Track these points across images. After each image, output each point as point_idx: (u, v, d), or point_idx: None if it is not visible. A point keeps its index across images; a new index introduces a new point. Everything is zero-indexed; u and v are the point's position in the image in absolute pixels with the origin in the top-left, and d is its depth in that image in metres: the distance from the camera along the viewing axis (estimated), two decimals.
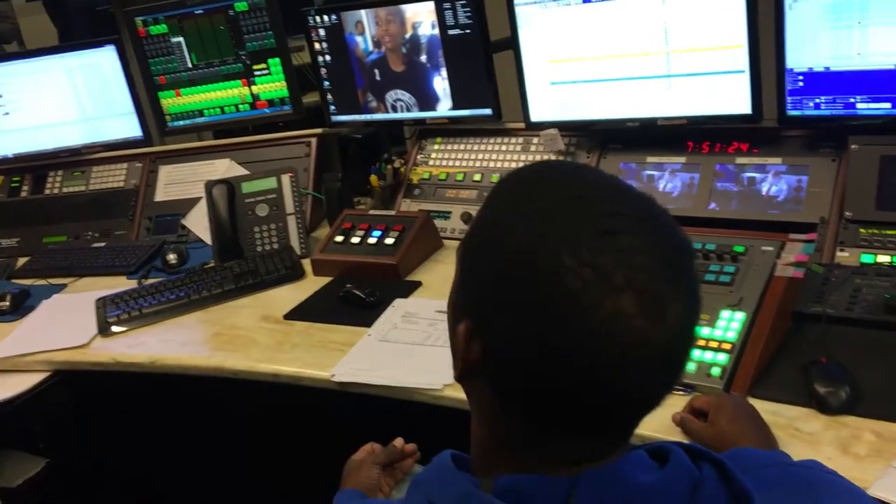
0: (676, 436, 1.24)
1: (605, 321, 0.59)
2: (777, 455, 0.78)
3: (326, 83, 2.43)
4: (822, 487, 0.76)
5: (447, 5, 2.14)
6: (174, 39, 2.57)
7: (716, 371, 1.35)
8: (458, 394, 0.72)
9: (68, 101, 2.68)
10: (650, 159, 1.99)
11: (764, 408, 1.29)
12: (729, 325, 1.42)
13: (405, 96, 2.33)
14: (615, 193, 0.66)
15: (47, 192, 2.74)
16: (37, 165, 2.76)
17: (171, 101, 2.64)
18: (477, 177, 2.24)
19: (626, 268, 0.60)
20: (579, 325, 0.60)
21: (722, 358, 1.37)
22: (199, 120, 2.66)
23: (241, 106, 2.60)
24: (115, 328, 1.98)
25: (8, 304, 2.18)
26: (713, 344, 1.40)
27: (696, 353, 1.39)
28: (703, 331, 1.42)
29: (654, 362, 0.62)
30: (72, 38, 4.04)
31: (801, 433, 1.22)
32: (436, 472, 0.69)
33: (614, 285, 0.59)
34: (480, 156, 2.28)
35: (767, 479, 0.74)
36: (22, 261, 2.55)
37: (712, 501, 0.66)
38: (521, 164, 2.12)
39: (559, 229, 0.62)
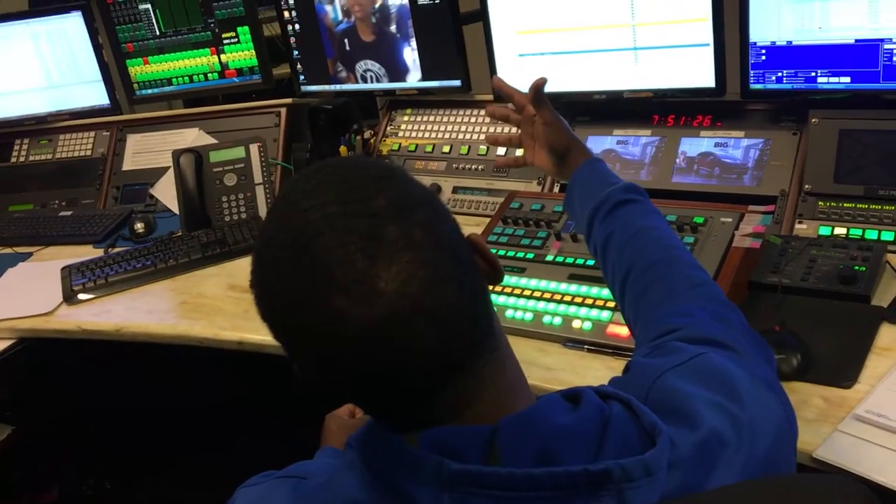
0: None
1: (331, 324, 0.64)
2: (648, 369, 0.82)
3: (296, 53, 2.42)
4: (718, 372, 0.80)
5: None
6: (142, 6, 2.55)
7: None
8: None
9: (34, 67, 2.65)
10: (616, 132, 2.00)
11: None
12: None
13: (375, 67, 2.32)
14: (316, 194, 0.68)
15: (13, 160, 2.71)
16: (2, 133, 2.73)
17: (139, 69, 2.62)
18: (446, 148, 2.25)
19: (324, 273, 0.64)
20: (316, 338, 0.66)
21: None
22: (168, 88, 2.64)
23: (209, 75, 2.58)
24: (80, 296, 1.98)
25: None
26: None
27: None
28: None
29: (402, 328, 0.64)
30: (42, 3, 3.97)
31: None
32: (367, 430, 0.72)
33: (319, 292, 0.64)
34: (449, 127, 2.28)
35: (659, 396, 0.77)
36: None
37: (624, 437, 0.69)
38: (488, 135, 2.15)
39: (268, 262, 0.69)
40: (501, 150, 2.13)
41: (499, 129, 2.16)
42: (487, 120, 2.22)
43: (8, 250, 2.36)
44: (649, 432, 0.69)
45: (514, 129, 1.45)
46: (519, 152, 1.45)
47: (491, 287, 0.75)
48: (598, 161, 1.29)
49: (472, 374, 0.69)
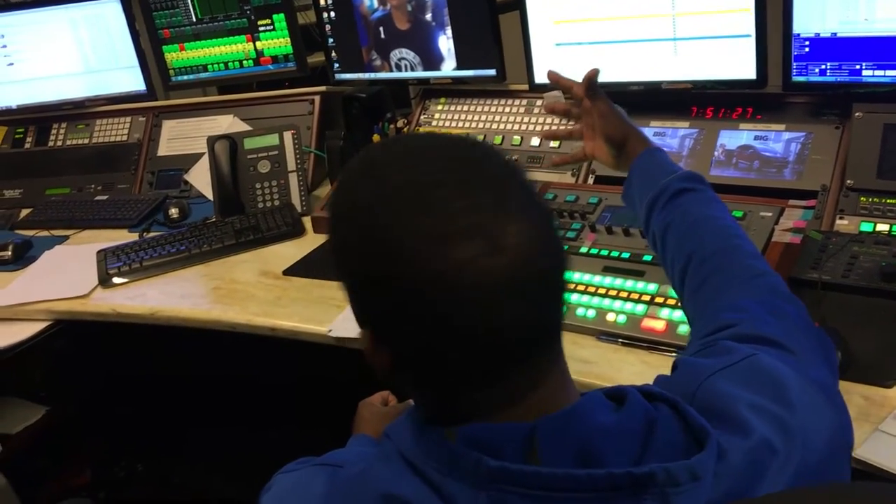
0: None
1: (455, 273, 0.63)
2: (697, 370, 0.80)
3: (331, 40, 2.41)
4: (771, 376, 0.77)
5: None
6: None
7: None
8: None
9: (72, 53, 2.67)
10: (654, 124, 1.97)
11: None
12: None
13: (409, 55, 2.31)
14: (436, 157, 0.69)
15: (51, 144, 2.74)
16: (40, 117, 2.76)
17: (175, 56, 2.63)
18: (479, 138, 2.24)
19: (452, 220, 0.64)
20: (437, 287, 0.63)
21: None
22: (203, 75, 2.65)
23: (244, 62, 2.59)
24: (115, 280, 2.00)
25: (10, 254, 2.19)
26: None
27: None
28: None
29: (518, 287, 0.64)
30: None
31: None
32: (404, 421, 0.71)
33: (447, 239, 0.63)
34: (483, 117, 2.27)
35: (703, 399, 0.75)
36: (25, 212, 2.57)
37: (670, 439, 0.67)
38: (524, 127, 2.13)
39: (390, 215, 0.66)
40: (554, 144, 2.10)
41: (550, 125, 2.15)
42: (522, 110, 2.21)
43: (45, 233, 2.39)
44: (696, 436, 0.67)
45: (570, 124, 1.44)
46: (578, 145, 1.43)
47: None
48: (657, 150, 1.27)
49: (538, 362, 0.68)
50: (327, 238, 0.75)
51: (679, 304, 1.42)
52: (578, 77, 1.49)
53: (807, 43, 1.71)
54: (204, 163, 2.40)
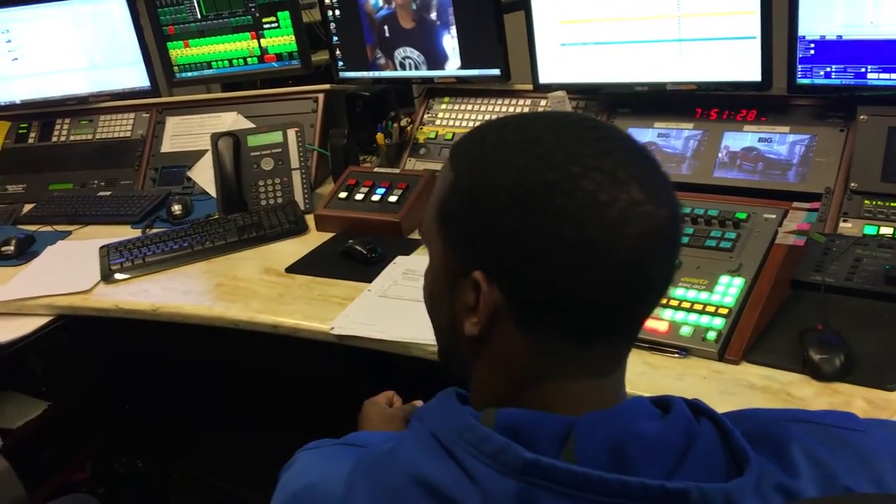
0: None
1: (623, 210, 0.64)
2: (785, 412, 0.77)
3: (335, 39, 2.41)
4: (849, 443, 0.73)
5: None
6: None
7: (711, 335, 1.36)
8: None
9: (77, 48, 2.68)
10: (658, 125, 1.97)
11: (758, 373, 1.30)
12: (727, 290, 1.42)
13: (414, 54, 2.31)
14: (604, 129, 0.71)
15: (54, 139, 2.74)
16: (44, 112, 2.76)
17: (180, 52, 2.63)
18: None
19: (624, 167, 0.66)
20: (603, 218, 0.64)
21: (718, 322, 1.37)
22: (208, 72, 2.65)
23: (249, 59, 2.59)
24: (118, 275, 2.00)
25: (13, 248, 2.19)
26: (710, 308, 1.40)
27: (692, 318, 1.40)
28: (701, 295, 1.43)
29: (666, 240, 0.67)
30: None
31: (794, 398, 1.23)
32: (439, 404, 0.70)
33: (621, 180, 0.65)
34: (487, 116, 2.27)
35: (769, 434, 0.72)
36: (28, 207, 2.57)
37: (708, 457, 0.65)
38: None
39: (560, 152, 0.66)
40: None
41: None
42: (526, 110, 2.21)
43: (48, 228, 2.39)
44: (737, 459, 0.66)
45: None
46: None
47: None
48: None
49: (621, 344, 0.71)
50: (447, 160, 0.75)
51: (681, 306, 1.42)
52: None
53: (812, 45, 1.71)
54: (207, 160, 2.40)
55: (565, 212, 0.64)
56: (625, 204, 0.64)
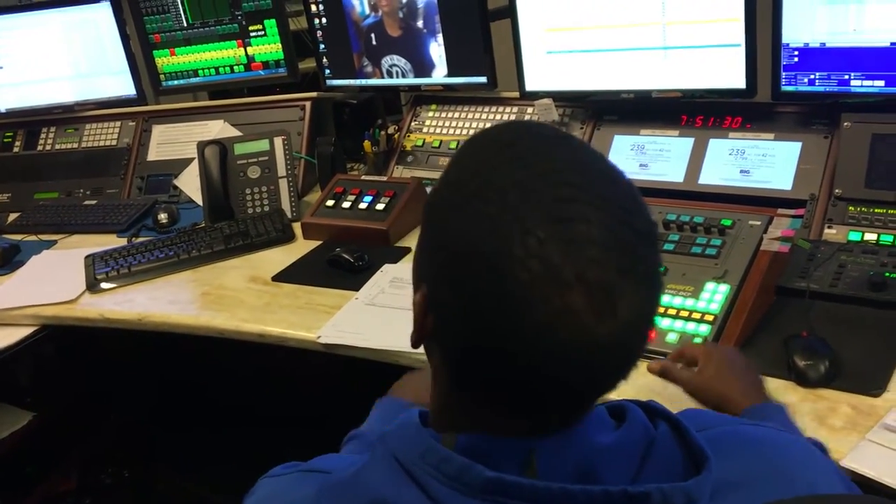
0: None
1: (551, 316, 0.58)
2: (733, 418, 0.77)
3: (322, 46, 2.41)
4: (774, 447, 0.74)
5: None
6: None
7: (697, 342, 1.36)
8: None
9: (63, 56, 2.67)
10: (644, 132, 1.98)
11: None
12: (713, 297, 1.43)
13: (401, 62, 2.31)
14: (578, 174, 0.63)
15: (40, 148, 2.73)
16: (30, 121, 2.75)
17: (166, 60, 2.63)
18: None
19: (576, 261, 0.58)
20: (525, 318, 0.59)
21: (704, 329, 1.38)
22: (194, 80, 2.65)
23: (235, 67, 2.59)
24: (103, 285, 1.99)
25: None
26: (696, 315, 1.41)
27: (678, 325, 1.40)
28: (687, 302, 1.43)
29: (603, 356, 0.61)
30: None
31: None
32: (401, 426, 0.70)
33: (563, 280, 0.58)
34: (474, 124, 2.27)
35: (720, 437, 0.74)
36: (13, 216, 2.55)
37: (667, 460, 0.66)
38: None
39: (511, 215, 0.60)
40: None
41: None
42: (513, 117, 2.21)
43: (33, 238, 2.38)
44: (695, 458, 0.66)
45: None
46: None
47: None
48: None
49: (545, 417, 0.65)
50: (436, 182, 0.68)
51: (667, 313, 1.43)
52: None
53: (796, 53, 1.72)
54: (194, 168, 2.39)
55: (492, 297, 0.59)
56: (555, 309, 0.58)
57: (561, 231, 0.59)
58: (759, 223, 1.54)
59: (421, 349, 0.72)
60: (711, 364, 1.16)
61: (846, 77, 1.68)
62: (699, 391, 1.14)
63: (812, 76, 1.72)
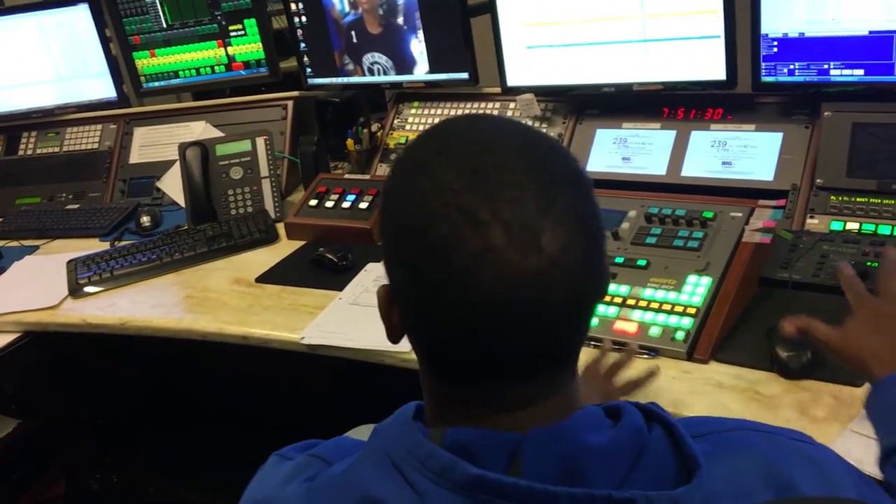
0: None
1: (475, 257, 0.60)
2: (745, 421, 0.76)
3: (303, 45, 2.40)
4: (785, 452, 0.72)
5: None
6: None
7: (680, 335, 1.36)
8: None
9: (42, 60, 2.64)
10: (626, 125, 1.98)
11: (727, 371, 1.31)
12: (695, 290, 1.42)
13: (382, 59, 2.30)
14: (495, 134, 0.67)
15: (21, 152, 2.71)
16: (10, 126, 2.73)
17: (146, 62, 2.61)
18: None
19: (492, 203, 0.60)
20: (451, 264, 0.61)
21: (686, 322, 1.38)
22: (175, 81, 2.63)
23: (216, 67, 2.57)
24: (86, 289, 1.97)
25: None
26: (678, 308, 1.40)
27: (661, 318, 1.40)
28: (669, 295, 1.43)
29: (536, 292, 0.61)
30: None
31: (762, 396, 1.23)
32: (394, 421, 0.70)
33: (480, 220, 0.60)
34: None
35: (729, 441, 0.72)
36: None
37: (659, 464, 0.65)
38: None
39: (431, 178, 0.63)
40: None
41: None
42: (496, 112, 2.20)
43: (15, 244, 2.36)
44: (688, 466, 0.65)
45: None
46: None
47: None
48: None
49: (540, 381, 0.66)
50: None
51: (649, 306, 1.42)
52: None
53: (775, 43, 1.71)
54: (176, 170, 2.37)
55: (420, 251, 0.62)
56: (477, 249, 0.60)
57: (475, 180, 0.62)
58: (740, 215, 1.53)
59: (409, 347, 0.72)
60: (863, 316, 1.06)
61: (826, 66, 1.68)
62: (841, 349, 1.05)
63: (792, 66, 1.72)
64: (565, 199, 0.63)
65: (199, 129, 2.50)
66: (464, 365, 0.65)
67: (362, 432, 1.14)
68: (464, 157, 0.64)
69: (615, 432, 0.65)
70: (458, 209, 0.61)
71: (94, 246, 2.24)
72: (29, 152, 2.70)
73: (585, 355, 1.39)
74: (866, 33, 1.62)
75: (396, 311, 0.69)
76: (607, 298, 1.46)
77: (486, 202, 0.61)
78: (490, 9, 2.05)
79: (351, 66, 2.36)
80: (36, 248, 2.32)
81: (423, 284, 0.63)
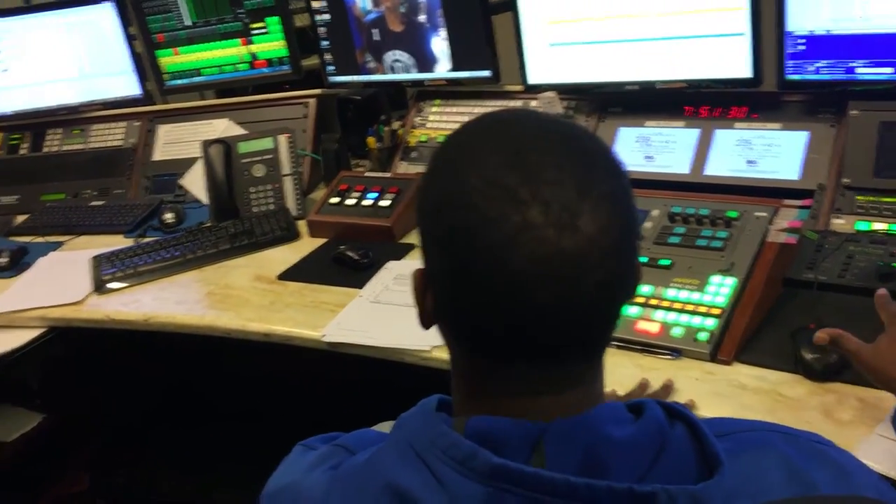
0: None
1: (513, 233, 0.60)
2: (767, 423, 0.75)
3: (325, 43, 2.40)
4: (816, 455, 0.71)
5: None
6: None
7: (703, 336, 1.35)
8: (447, 355, 0.73)
9: (67, 58, 2.67)
10: (649, 123, 1.96)
11: (750, 373, 1.30)
12: (719, 290, 1.41)
13: (404, 57, 2.30)
14: (537, 124, 0.68)
15: (46, 149, 2.73)
16: (36, 123, 2.76)
17: (169, 60, 2.63)
18: None
19: (532, 182, 0.61)
20: (489, 240, 0.61)
21: (710, 323, 1.36)
22: (197, 79, 2.64)
23: (239, 65, 2.58)
24: (110, 286, 1.99)
25: (6, 260, 2.18)
26: (702, 309, 1.39)
27: (684, 319, 1.39)
28: (693, 296, 1.42)
29: (573, 270, 0.61)
30: None
31: (785, 398, 1.22)
32: (418, 412, 0.71)
33: (520, 199, 0.61)
34: None
35: (750, 440, 0.72)
36: (20, 218, 2.56)
37: (680, 460, 0.65)
38: None
39: (472, 157, 0.65)
40: None
41: None
42: None
43: (40, 239, 2.39)
44: (710, 463, 0.65)
45: None
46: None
47: None
48: None
49: (569, 368, 0.66)
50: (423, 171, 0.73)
51: (672, 307, 1.41)
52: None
53: (801, 41, 1.69)
54: (199, 167, 2.39)
55: (459, 227, 0.63)
56: (515, 225, 0.60)
57: (517, 161, 0.63)
58: (764, 215, 1.52)
59: (429, 346, 0.72)
60: (895, 334, 1.07)
61: (852, 65, 1.66)
62: (870, 363, 1.07)
63: (818, 64, 1.69)
64: (604, 185, 0.64)
65: (222, 127, 2.51)
66: (497, 342, 0.65)
67: (384, 427, 1.14)
68: (506, 141, 0.65)
69: (637, 427, 0.65)
70: (499, 187, 0.62)
71: (118, 242, 2.26)
72: (54, 149, 2.73)
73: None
74: (894, 31, 1.59)
75: (430, 295, 0.70)
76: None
77: (527, 182, 0.61)
78: (512, 6, 2.04)
79: (373, 64, 2.36)
80: (60, 244, 2.34)
81: (461, 260, 0.63)
